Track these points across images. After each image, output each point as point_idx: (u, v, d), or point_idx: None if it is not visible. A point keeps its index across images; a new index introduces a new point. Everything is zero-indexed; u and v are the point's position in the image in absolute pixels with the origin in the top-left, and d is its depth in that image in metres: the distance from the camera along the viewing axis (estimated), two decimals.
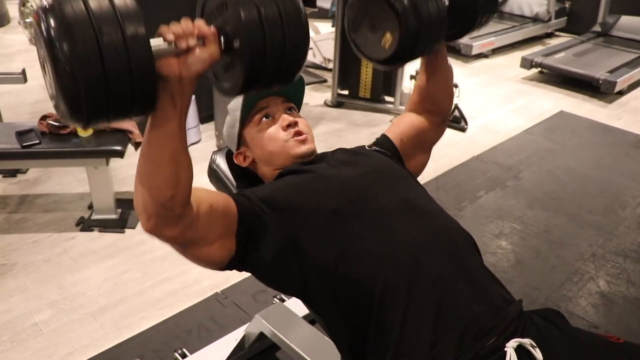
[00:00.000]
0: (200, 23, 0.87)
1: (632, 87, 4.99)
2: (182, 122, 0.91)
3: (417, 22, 1.21)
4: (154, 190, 0.92)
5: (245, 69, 0.88)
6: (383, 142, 1.42)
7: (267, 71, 0.90)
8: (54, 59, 0.74)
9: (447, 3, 1.35)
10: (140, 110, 0.83)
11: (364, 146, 1.40)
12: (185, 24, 0.85)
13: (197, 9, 0.98)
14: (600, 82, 4.65)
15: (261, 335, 1.86)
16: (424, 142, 1.45)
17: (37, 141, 2.50)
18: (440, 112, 1.46)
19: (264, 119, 1.32)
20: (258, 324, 1.83)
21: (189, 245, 1.04)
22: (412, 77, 4.01)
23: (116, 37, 0.75)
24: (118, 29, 0.75)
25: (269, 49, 0.88)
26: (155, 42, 0.83)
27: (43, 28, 0.74)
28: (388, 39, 1.25)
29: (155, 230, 0.96)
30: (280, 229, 1.10)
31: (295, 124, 1.30)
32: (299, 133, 1.29)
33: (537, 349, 0.99)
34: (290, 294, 1.22)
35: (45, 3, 0.75)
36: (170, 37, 0.84)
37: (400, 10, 1.19)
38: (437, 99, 1.44)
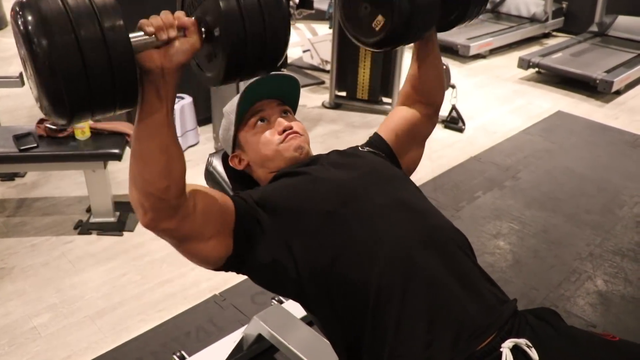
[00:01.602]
0: (180, 14, 0.88)
1: (629, 86, 5.00)
2: (169, 113, 0.92)
3: (410, 6, 1.21)
4: (148, 183, 0.93)
5: (226, 57, 0.89)
6: (376, 140, 1.42)
7: (249, 58, 0.91)
8: (33, 55, 0.74)
9: None
10: (123, 103, 0.83)
11: (358, 147, 1.40)
12: (164, 16, 0.86)
13: (177, 2, 0.99)
14: (598, 82, 4.65)
15: (259, 337, 1.86)
16: (416, 136, 1.46)
17: (35, 145, 2.50)
18: (432, 102, 1.46)
19: (259, 122, 1.32)
20: (256, 326, 1.83)
21: (185, 240, 1.04)
22: None
23: (94, 31, 0.75)
24: (95, 22, 0.76)
25: (249, 36, 0.89)
26: (136, 35, 0.83)
27: (20, 24, 0.74)
28: (380, 20, 1.26)
29: (152, 223, 0.98)
30: (276, 232, 1.11)
31: (290, 127, 1.31)
32: (293, 134, 1.30)
33: (533, 349, 1.00)
34: (287, 295, 1.22)
35: None
36: (150, 29, 0.84)
37: (396, 5, 1.19)
38: (428, 88, 1.45)
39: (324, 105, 4.38)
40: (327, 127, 4.00)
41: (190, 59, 0.90)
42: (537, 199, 3.15)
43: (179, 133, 3.41)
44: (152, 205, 0.95)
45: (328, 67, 4.62)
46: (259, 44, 0.91)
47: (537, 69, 5.18)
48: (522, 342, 1.00)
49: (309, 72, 5.05)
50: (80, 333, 2.08)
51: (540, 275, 2.49)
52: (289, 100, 1.38)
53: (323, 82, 4.80)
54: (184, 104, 3.41)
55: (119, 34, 0.77)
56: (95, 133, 2.62)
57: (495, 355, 0.99)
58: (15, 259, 2.47)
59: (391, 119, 1.46)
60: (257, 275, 1.17)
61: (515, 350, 1.00)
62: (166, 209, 0.97)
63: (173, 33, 0.86)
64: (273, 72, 1.31)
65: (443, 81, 1.49)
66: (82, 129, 2.56)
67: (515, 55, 5.47)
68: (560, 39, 6.35)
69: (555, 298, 2.34)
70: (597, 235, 2.80)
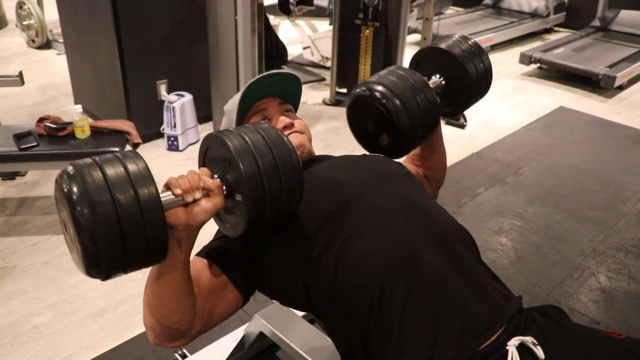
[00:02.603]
0: (205, 177, 0.95)
1: (631, 81, 4.98)
2: (187, 261, 0.97)
3: (410, 124, 1.30)
4: (162, 317, 0.99)
5: (246, 221, 0.97)
6: None
7: (267, 215, 0.98)
8: (76, 223, 0.79)
9: (443, 83, 1.49)
10: (154, 261, 0.90)
11: (365, 154, 1.41)
12: (191, 177, 0.92)
13: (199, 156, 1.06)
14: (600, 77, 4.64)
15: (261, 335, 1.85)
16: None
17: (35, 143, 2.50)
18: (434, 178, 1.57)
19: (261, 121, 1.31)
20: (258, 324, 1.82)
21: (202, 333, 1.09)
22: None
23: (131, 200, 0.81)
24: (132, 191, 0.82)
25: (268, 199, 0.96)
26: (164, 196, 0.89)
27: (65, 192, 0.80)
28: (384, 138, 1.37)
29: (163, 344, 1.05)
30: (276, 244, 1.12)
31: (292, 125, 1.30)
32: (295, 132, 1.29)
33: (539, 347, 0.99)
34: (299, 307, 1.22)
35: (67, 170, 0.82)
36: (178, 192, 0.90)
37: (396, 121, 1.29)
38: (430, 169, 1.55)
39: (324, 102, 4.37)
40: (328, 124, 3.99)
41: (212, 216, 0.95)
42: (539, 195, 3.14)
43: (179, 131, 3.41)
44: (163, 332, 1.01)
45: (328, 64, 4.61)
46: (277, 202, 0.98)
47: (538, 65, 5.17)
48: (528, 339, 0.99)
49: (309, 69, 5.04)
50: (81, 332, 2.07)
51: (542, 272, 2.48)
52: (290, 98, 1.37)
53: (324, 79, 4.79)
54: (184, 102, 3.40)
55: (152, 201, 0.83)
56: (95, 131, 2.61)
57: (502, 353, 0.97)
58: (17, 258, 2.46)
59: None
60: (269, 292, 1.20)
61: (521, 348, 0.98)
62: (175, 334, 1.02)
63: (199, 195, 0.92)
64: (274, 70, 1.31)
65: (445, 165, 1.58)
66: (82, 128, 2.55)
67: (516, 51, 5.46)
68: (562, 34, 6.33)
69: (558, 295, 2.33)
70: (600, 232, 2.78)
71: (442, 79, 1.48)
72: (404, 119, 1.29)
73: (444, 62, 1.47)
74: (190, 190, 0.91)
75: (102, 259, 0.81)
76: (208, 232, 1.12)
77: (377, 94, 1.30)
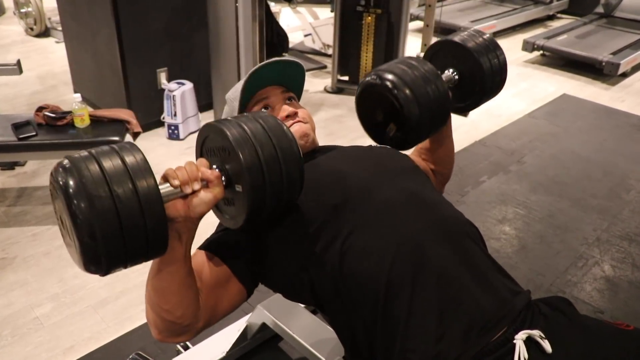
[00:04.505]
0: (203, 168, 0.93)
1: (635, 68, 4.94)
2: (187, 254, 0.95)
3: (419, 115, 1.27)
4: (164, 312, 0.98)
5: (246, 212, 0.95)
6: None
7: (267, 207, 0.96)
8: (73, 217, 0.77)
9: (456, 77, 1.46)
10: (154, 254, 0.88)
11: (371, 145, 1.39)
12: (189, 169, 0.90)
13: (196, 147, 1.04)
14: (603, 64, 4.59)
15: (263, 326, 1.84)
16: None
17: (34, 133, 2.47)
18: (440, 173, 1.54)
19: (263, 109, 1.28)
20: (260, 315, 1.81)
21: (206, 328, 1.07)
22: None
23: (129, 193, 0.79)
24: (130, 183, 0.80)
25: (268, 190, 0.94)
26: (162, 188, 0.87)
27: (61, 186, 0.78)
28: (392, 128, 1.34)
29: (166, 340, 1.03)
30: (281, 238, 1.10)
31: (295, 114, 1.27)
32: (298, 122, 1.26)
33: (546, 341, 0.97)
34: (303, 301, 1.21)
35: (63, 163, 0.80)
36: (176, 183, 0.88)
37: (405, 112, 1.26)
38: (437, 163, 1.53)
39: (326, 90, 4.33)
40: (329, 112, 3.95)
41: (212, 207, 0.93)
42: (543, 183, 3.11)
43: (179, 120, 3.38)
44: (166, 328, 1.00)
45: (330, 51, 4.57)
46: (277, 192, 0.96)
47: (541, 52, 5.12)
48: (536, 333, 0.98)
49: (310, 56, 5.00)
50: (83, 323, 2.06)
51: (546, 261, 2.46)
52: (293, 86, 1.34)
53: (325, 67, 4.75)
54: (184, 90, 3.37)
55: (151, 193, 0.81)
56: (95, 121, 2.59)
57: (508, 348, 0.96)
58: (17, 248, 2.45)
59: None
60: (272, 286, 1.19)
61: (529, 341, 0.97)
62: (179, 329, 1.00)
63: (197, 186, 0.90)
64: (277, 58, 1.28)
65: (453, 159, 1.55)
66: (82, 117, 2.53)
67: (519, 38, 5.41)
68: (565, 20, 6.28)
69: (562, 284, 2.32)
70: (604, 220, 2.76)
71: (455, 73, 1.45)
72: (413, 109, 1.26)
73: (458, 56, 1.44)
74: (189, 182, 0.89)
75: (101, 254, 0.79)
76: (210, 222, 1.10)
77: (388, 82, 1.27)
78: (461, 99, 1.48)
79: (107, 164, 0.80)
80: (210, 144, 0.99)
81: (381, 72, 1.30)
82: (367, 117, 1.40)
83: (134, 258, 0.83)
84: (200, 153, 1.03)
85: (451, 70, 1.46)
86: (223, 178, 0.94)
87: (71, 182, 0.77)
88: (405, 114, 1.27)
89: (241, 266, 1.09)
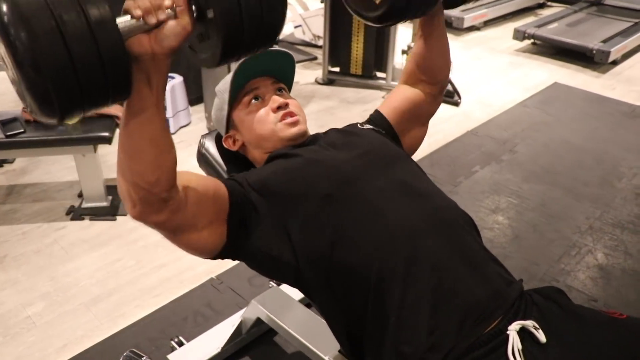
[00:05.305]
0: None
1: (626, 56, 4.94)
2: (160, 101, 0.86)
3: None
4: (137, 175, 0.88)
5: (222, 40, 0.82)
6: (376, 118, 1.37)
7: (246, 37, 0.84)
8: (13, 50, 0.68)
9: None
10: (116, 96, 0.77)
11: (357, 124, 1.35)
12: None
13: None
14: (594, 52, 4.59)
15: (258, 321, 1.83)
16: (419, 116, 1.40)
17: (22, 130, 2.44)
18: (437, 82, 1.40)
19: (254, 100, 1.27)
20: (254, 310, 1.80)
21: (178, 231, 1.00)
22: (404, 51, 3.95)
23: (78, 19, 0.69)
24: (78, 9, 0.69)
25: (245, 15, 0.81)
26: (122, 20, 0.76)
27: None
28: None
29: (141, 216, 0.93)
30: (273, 217, 1.07)
31: (286, 105, 1.26)
32: (289, 114, 1.25)
33: (540, 331, 0.97)
34: (284, 281, 1.18)
35: None
36: (138, 12, 0.77)
37: None
38: (433, 66, 1.38)
39: (317, 82, 4.31)
40: (320, 104, 3.93)
41: (182, 42, 0.82)
42: (535, 172, 3.11)
43: (170, 114, 3.35)
44: (142, 198, 0.91)
45: (320, 43, 4.54)
46: (255, 20, 0.83)
47: (532, 40, 5.11)
48: (529, 324, 0.97)
49: (301, 48, 4.97)
50: (75, 321, 2.04)
51: (540, 250, 2.47)
52: (283, 77, 1.33)
53: (315, 58, 4.72)
54: (174, 84, 3.34)
55: (106, 24, 0.71)
56: (84, 116, 2.55)
57: (502, 339, 0.95)
58: (7, 247, 2.42)
59: (393, 97, 1.40)
60: (254, 262, 1.14)
61: (522, 332, 0.97)
62: (156, 202, 0.92)
63: (162, 16, 0.78)
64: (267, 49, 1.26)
65: (449, 59, 1.42)
66: None
67: (510, 27, 5.40)
68: (556, 8, 6.26)
69: (556, 272, 2.32)
70: (596, 208, 2.77)
71: None
72: None
73: None
74: (152, 11, 0.77)
75: (50, 90, 0.69)
76: None
77: None
78: None
79: None
80: None
81: None
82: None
83: (92, 98, 0.73)
84: None
85: None
86: (194, 8, 0.82)
87: (4, 8, 0.67)
88: None
89: (237, 209, 1.05)
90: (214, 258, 1.09)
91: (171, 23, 0.79)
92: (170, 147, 0.91)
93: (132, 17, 0.77)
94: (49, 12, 0.67)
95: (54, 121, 0.75)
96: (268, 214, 1.07)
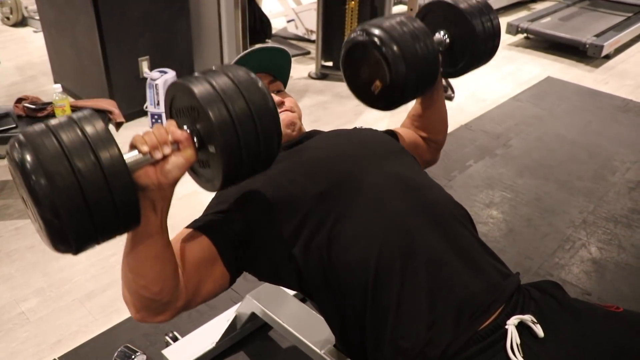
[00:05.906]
0: (173, 128, 0.87)
1: (618, 50, 4.96)
2: (164, 223, 0.91)
3: (405, 71, 1.20)
4: (141, 289, 0.93)
5: (223, 173, 0.89)
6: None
7: (244, 164, 0.90)
8: (34, 195, 0.73)
9: (447, 41, 1.39)
10: (127, 227, 0.83)
11: (355, 128, 1.37)
12: (158, 132, 0.85)
13: (164, 106, 0.97)
14: (587, 46, 4.61)
15: (253, 316, 1.83)
16: (420, 157, 1.44)
17: (14, 125, 2.42)
18: (434, 140, 1.50)
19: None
20: (249, 304, 1.80)
21: (187, 307, 1.03)
22: None
23: (91, 164, 0.75)
24: (91, 154, 0.75)
25: (244, 150, 0.88)
26: (130, 156, 0.83)
27: (18, 163, 0.74)
28: (377, 85, 1.27)
29: (145, 319, 0.98)
30: (269, 222, 1.08)
31: (282, 103, 1.27)
32: (285, 110, 1.25)
33: (538, 325, 0.97)
34: (291, 287, 1.18)
35: (19, 138, 0.75)
36: (145, 149, 0.83)
37: (392, 68, 1.20)
38: (430, 130, 1.49)
39: (310, 76, 4.30)
40: (314, 99, 3.92)
41: (185, 172, 0.89)
42: (529, 166, 3.12)
43: (163, 109, 3.33)
44: (145, 306, 0.95)
45: (313, 37, 4.52)
46: (253, 152, 0.90)
47: (525, 35, 5.12)
48: (528, 318, 0.98)
49: (293, 42, 4.95)
50: (69, 317, 2.04)
51: (534, 244, 2.48)
52: (279, 74, 1.33)
53: (309, 53, 4.71)
54: (167, 79, 3.31)
55: (115, 163, 0.77)
56: (76, 110, 2.53)
57: (501, 333, 0.96)
58: (0, 243, 2.40)
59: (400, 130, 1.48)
60: (262, 275, 1.16)
61: (521, 326, 0.97)
62: (158, 307, 0.96)
63: (168, 150, 0.85)
64: (263, 45, 1.27)
65: (446, 125, 1.51)
66: (63, 108, 2.48)
67: (503, 21, 5.39)
68: (549, 3, 6.27)
69: (550, 267, 2.33)
70: (590, 202, 2.78)
71: (446, 36, 1.38)
72: (400, 66, 1.19)
73: (450, 18, 1.38)
74: (158, 146, 0.84)
75: (67, 232, 0.75)
76: (194, 207, 1.07)
77: (375, 38, 1.20)
78: (452, 64, 1.42)
79: (66, 136, 0.75)
80: (178, 104, 0.93)
81: (368, 27, 1.23)
82: (353, 76, 1.33)
83: (105, 234, 0.79)
84: (169, 115, 0.97)
85: (442, 32, 1.39)
86: (195, 139, 0.88)
87: (28, 158, 0.73)
88: (392, 70, 1.20)
89: (228, 250, 1.06)
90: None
91: (175, 156, 0.86)
92: (172, 258, 0.95)
93: (140, 152, 0.83)
94: (67, 163, 0.73)
95: (70, 254, 0.80)
96: (261, 224, 1.08)
